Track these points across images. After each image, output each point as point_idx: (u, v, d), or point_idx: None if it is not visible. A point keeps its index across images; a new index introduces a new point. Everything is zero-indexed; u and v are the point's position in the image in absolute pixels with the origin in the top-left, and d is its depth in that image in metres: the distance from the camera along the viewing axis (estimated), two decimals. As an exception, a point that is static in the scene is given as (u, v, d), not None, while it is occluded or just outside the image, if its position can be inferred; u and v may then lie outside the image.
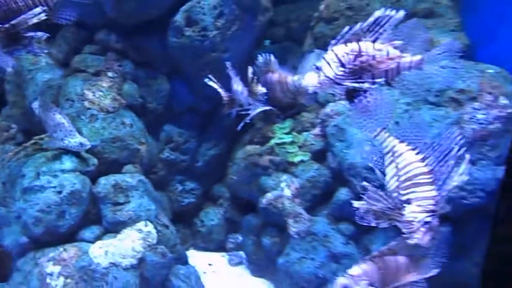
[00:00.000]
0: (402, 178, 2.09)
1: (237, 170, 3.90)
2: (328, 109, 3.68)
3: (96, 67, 3.74)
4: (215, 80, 3.44)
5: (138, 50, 3.85)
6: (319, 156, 3.66)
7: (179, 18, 3.67)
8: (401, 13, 2.01)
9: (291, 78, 3.54)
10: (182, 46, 3.73)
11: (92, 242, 3.14)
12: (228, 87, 3.45)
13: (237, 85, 3.41)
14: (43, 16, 2.28)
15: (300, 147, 3.72)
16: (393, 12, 2.01)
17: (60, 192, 3.16)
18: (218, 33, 3.73)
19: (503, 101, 3.10)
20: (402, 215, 2.00)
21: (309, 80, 2.12)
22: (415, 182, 2.04)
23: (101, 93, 3.62)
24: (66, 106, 3.58)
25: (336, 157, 3.49)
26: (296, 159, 3.64)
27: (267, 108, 3.50)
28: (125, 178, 3.40)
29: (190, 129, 4.10)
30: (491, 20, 3.89)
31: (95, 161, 3.39)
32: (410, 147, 2.24)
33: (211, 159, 4.17)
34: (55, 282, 2.91)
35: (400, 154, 2.20)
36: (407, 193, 2.03)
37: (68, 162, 3.27)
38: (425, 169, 2.09)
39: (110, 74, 3.73)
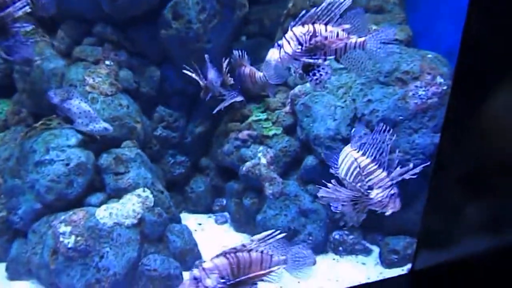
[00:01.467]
0: (355, 172, 2.20)
1: (220, 144, 3.96)
2: (296, 90, 3.77)
3: (95, 56, 3.69)
4: (191, 70, 3.52)
5: (132, 41, 3.82)
6: (289, 130, 3.77)
7: (167, 12, 3.66)
8: (349, 1, 2.10)
9: (258, 74, 3.64)
10: (170, 37, 3.72)
11: (98, 206, 3.17)
12: (205, 76, 3.53)
13: (212, 76, 3.51)
14: (27, 9, 2.20)
15: (273, 123, 3.81)
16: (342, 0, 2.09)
17: (68, 164, 3.17)
18: (201, 26, 3.73)
19: (439, 80, 3.26)
20: (371, 198, 2.11)
21: (272, 55, 2.19)
22: (366, 172, 2.15)
23: (100, 79, 3.59)
24: (54, 88, 3.52)
25: (303, 130, 3.60)
26: (271, 133, 3.74)
27: (239, 99, 3.62)
28: (124, 151, 3.42)
29: (179, 109, 4.11)
30: (430, 15, 4.02)
31: (97, 137, 3.38)
32: (353, 148, 2.35)
33: (198, 135, 4.20)
34: (67, 240, 2.93)
35: (346, 155, 2.32)
36: (366, 182, 2.14)
37: (73, 138, 3.27)
38: (368, 160, 2.20)
39: (107, 62, 3.70)
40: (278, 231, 2.04)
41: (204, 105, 4.15)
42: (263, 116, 3.84)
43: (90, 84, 3.53)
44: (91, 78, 3.57)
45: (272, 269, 1.97)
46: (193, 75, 3.51)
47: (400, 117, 3.26)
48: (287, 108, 3.81)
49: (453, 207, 1.52)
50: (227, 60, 3.57)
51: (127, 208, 3.16)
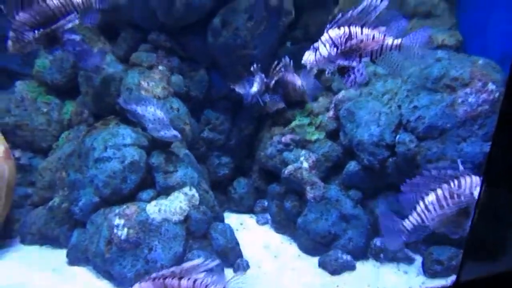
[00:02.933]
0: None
1: (264, 147, 4.00)
2: (340, 95, 3.73)
3: (149, 62, 3.87)
4: (236, 84, 3.62)
5: (183, 47, 3.96)
6: (332, 135, 3.73)
7: (216, 20, 3.76)
8: (385, 3, 2.04)
9: (298, 82, 3.65)
10: (218, 44, 3.82)
11: (148, 202, 3.31)
12: (251, 83, 3.60)
13: (257, 87, 3.57)
14: (76, 21, 2.32)
15: (316, 127, 3.79)
16: (378, 2, 2.03)
17: (123, 162, 3.34)
18: (248, 33, 3.81)
19: (491, 86, 3.09)
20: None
21: (308, 57, 2.17)
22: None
23: (153, 83, 3.76)
24: (127, 93, 3.75)
25: (346, 136, 3.55)
26: (313, 138, 3.72)
27: (281, 106, 3.65)
28: (173, 151, 3.56)
29: (225, 113, 4.19)
30: (481, 20, 3.82)
31: (149, 137, 3.55)
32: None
33: (242, 138, 4.26)
34: (120, 232, 3.10)
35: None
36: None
37: (128, 138, 3.45)
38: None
39: (160, 67, 3.88)
40: (211, 260, 1.90)
41: (248, 109, 4.24)
42: (307, 120, 3.84)
43: (145, 88, 3.72)
44: (146, 82, 3.76)
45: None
46: (239, 90, 3.60)
47: (448, 125, 3.12)
48: (331, 113, 3.77)
49: (503, 217, 1.44)
50: (274, 67, 3.62)
51: (174, 205, 3.28)
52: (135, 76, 3.78)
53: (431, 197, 2.05)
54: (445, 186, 2.02)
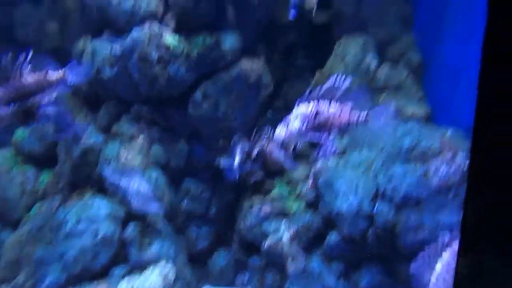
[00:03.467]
0: None
1: (244, 217, 3.93)
2: (318, 164, 3.79)
3: (131, 133, 3.90)
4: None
5: (165, 118, 4.04)
6: (312, 204, 3.71)
7: (197, 93, 3.90)
8: (349, 80, 2.18)
9: (276, 152, 3.73)
10: (199, 115, 3.93)
11: (121, 278, 3.14)
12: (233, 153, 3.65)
13: (238, 161, 3.63)
14: (53, 96, 2.33)
15: (296, 197, 3.79)
16: (343, 78, 2.17)
17: (95, 236, 3.22)
18: (228, 105, 3.95)
19: (460, 157, 3.21)
20: None
21: (280, 132, 2.25)
22: None
23: (133, 154, 3.76)
24: (105, 164, 3.72)
25: (326, 206, 3.54)
26: (293, 208, 3.70)
27: (260, 175, 3.69)
28: (150, 223, 3.46)
29: (205, 182, 4.18)
30: (447, 91, 4.09)
31: (125, 209, 3.46)
32: None
33: (222, 208, 4.20)
34: (87, 314, 2.88)
35: None
36: None
37: (103, 210, 3.36)
38: None
39: (141, 138, 3.91)
40: None
41: (229, 178, 4.23)
42: (286, 190, 3.84)
43: (124, 159, 3.71)
44: (125, 153, 3.76)
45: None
46: (223, 163, 3.64)
47: (423, 194, 3.18)
48: (310, 182, 3.79)
49: (482, 277, 1.40)
50: (255, 136, 3.70)
51: (148, 282, 3.11)
52: (115, 146, 3.80)
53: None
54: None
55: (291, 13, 3.97)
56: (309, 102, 2.23)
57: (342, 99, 2.23)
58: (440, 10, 4.44)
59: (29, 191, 3.92)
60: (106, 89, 3.98)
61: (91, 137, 3.86)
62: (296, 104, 2.26)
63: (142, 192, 3.22)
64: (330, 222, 3.55)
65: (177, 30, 3.80)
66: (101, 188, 3.73)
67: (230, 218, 4.20)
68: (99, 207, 3.36)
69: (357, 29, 4.79)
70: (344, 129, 2.25)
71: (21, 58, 2.12)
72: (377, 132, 2.33)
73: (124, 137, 3.89)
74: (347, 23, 4.90)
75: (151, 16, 3.76)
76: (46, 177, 4.05)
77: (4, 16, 4.43)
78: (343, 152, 3.87)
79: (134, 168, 3.50)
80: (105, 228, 3.25)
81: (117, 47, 3.80)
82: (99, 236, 3.21)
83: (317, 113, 2.19)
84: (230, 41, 3.90)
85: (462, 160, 3.19)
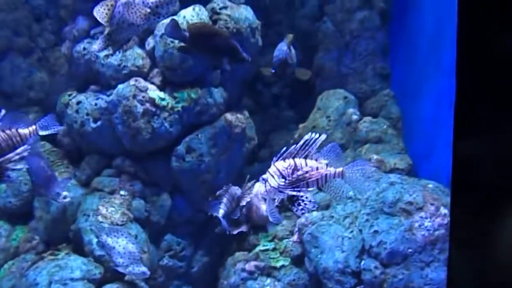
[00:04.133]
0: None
1: (228, 275, 3.77)
2: (303, 218, 3.73)
3: (112, 187, 3.84)
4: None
5: (147, 172, 3.99)
6: (298, 260, 3.61)
7: (181, 147, 3.90)
8: (323, 136, 2.27)
9: (262, 208, 3.69)
10: (182, 169, 3.90)
11: None
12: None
13: (223, 212, 3.57)
14: (25, 153, 2.25)
15: (281, 253, 3.68)
16: (317, 136, 2.26)
17: (68, 300, 3.02)
18: (212, 159, 3.94)
19: (443, 210, 3.21)
20: None
21: (258, 189, 2.27)
22: None
23: (113, 209, 3.66)
24: (82, 220, 3.60)
25: (312, 262, 3.44)
26: (278, 264, 3.58)
27: (244, 229, 3.62)
28: (128, 283, 3.28)
29: (187, 238, 4.06)
30: (427, 145, 4.18)
31: (102, 269, 3.29)
32: None
33: (205, 265, 4.05)
34: None
35: None
36: None
37: (77, 271, 3.19)
38: None
39: (122, 192, 3.83)
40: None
41: (212, 233, 4.12)
42: (271, 245, 3.74)
43: (103, 214, 3.60)
44: (104, 208, 3.65)
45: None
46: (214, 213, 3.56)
47: (410, 250, 3.12)
48: (295, 237, 3.71)
49: None
50: (246, 187, 3.67)
51: None
52: (94, 201, 3.70)
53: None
54: None
55: (273, 66, 4.10)
56: (285, 159, 2.27)
57: (317, 155, 2.29)
58: (416, 65, 4.67)
59: (0, 249, 3.72)
60: (89, 142, 3.95)
61: (70, 191, 3.76)
62: (273, 161, 2.30)
63: (129, 253, 3.05)
64: (316, 279, 3.43)
65: (163, 85, 3.88)
66: (78, 245, 3.57)
67: (213, 276, 4.03)
68: (73, 268, 3.19)
69: (338, 84, 4.99)
70: (322, 184, 2.29)
71: None
72: (357, 186, 2.36)
73: (104, 192, 3.80)
74: (328, 78, 5.11)
75: (137, 72, 3.85)
76: (20, 233, 3.87)
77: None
78: (327, 206, 3.85)
79: (119, 226, 3.35)
80: (79, 291, 3.05)
81: (102, 101, 3.83)
82: (72, 300, 3.01)
83: (295, 168, 2.22)
84: (214, 96, 3.98)
85: (445, 215, 3.19)
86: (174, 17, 3.68)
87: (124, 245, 3.10)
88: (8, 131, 2.19)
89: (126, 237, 3.14)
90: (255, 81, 4.99)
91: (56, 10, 4.64)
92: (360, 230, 3.38)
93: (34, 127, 2.37)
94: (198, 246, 4.11)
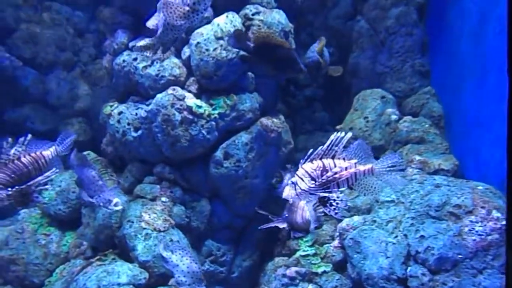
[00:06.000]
0: None
1: (268, 280, 3.75)
2: (344, 223, 3.65)
3: (153, 194, 3.92)
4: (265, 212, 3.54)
5: (186, 179, 4.05)
6: (340, 266, 3.53)
7: (218, 153, 3.92)
8: (349, 134, 2.20)
9: (307, 213, 3.60)
10: (220, 175, 3.92)
11: None
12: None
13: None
14: (53, 176, 2.34)
15: (322, 258, 3.61)
16: (342, 134, 2.20)
17: (116, 304, 3.12)
18: (249, 164, 3.94)
19: (495, 214, 3.02)
20: None
21: (288, 193, 2.22)
22: None
23: (155, 215, 3.75)
24: (127, 226, 3.70)
25: (355, 268, 3.35)
26: (320, 270, 3.52)
27: (282, 225, 3.55)
28: (171, 289, 3.34)
29: (227, 243, 4.07)
30: (473, 144, 3.95)
31: (146, 274, 3.37)
32: None
33: (245, 270, 4.04)
34: None
35: None
36: None
37: (124, 276, 3.28)
38: None
39: (163, 199, 3.91)
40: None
41: (251, 238, 4.12)
42: (311, 250, 3.68)
43: (146, 221, 3.69)
44: (147, 214, 3.75)
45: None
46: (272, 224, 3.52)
47: (460, 256, 2.96)
48: (336, 243, 3.64)
49: None
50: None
51: None
52: (137, 208, 3.80)
53: None
54: None
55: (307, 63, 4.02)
56: (312, 160, 2.24)
57: (344, 154, 2.25)
58: (458, 61, 4.44)
59: (52, 254, 3.91)
60: (131, 150, 4.07)
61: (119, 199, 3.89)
62: (300, 164, 2.27)
63: (192, 272, 3.02)
64: (360, 286, 3.33)
65: (199, 93, 3.93)
66: (123, 251, 3.68)
67: (253, 281, 4.03)
68: (120, 273, 3.28)
69: (375, 83, 4.84)
70: (352, 183, 2.24)
71: (19, 142, 2.21)
72: (389, 181, 2.29)
73: (146, 199, 3.89)
74: (364, 77, 4.98)
75: (174, 81, 3.92)
76: (69, 239, 4.05)
77: (38, 81, 4.71)
78: (368, 210, 3.74)
79: (162, 232, 3.38)
80: (126, 296, 3.14)
81: (142, 111, 3.94)
82: (119, 305, 3.10)
83: (323, 169, 2.19)
84: (249, 101, 3.98)
85: (497, 218, 3.00)
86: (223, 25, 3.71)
87: (188, 264, 3.06)
88: (33, 154, 2.29)
89: (190, 256, 3.12)
90: (288, 84, 4.96)
91: (96, 25, 4.85)
92: (405, 235, 3.25)
93: (53, 148, 2.47)
94: (238, 251, 4.11)
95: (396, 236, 3.31)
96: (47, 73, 4.71)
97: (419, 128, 4.35)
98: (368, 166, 2.25)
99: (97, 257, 3.59)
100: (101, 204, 3.16)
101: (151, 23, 2.58)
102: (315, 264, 3.56)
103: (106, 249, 3.73)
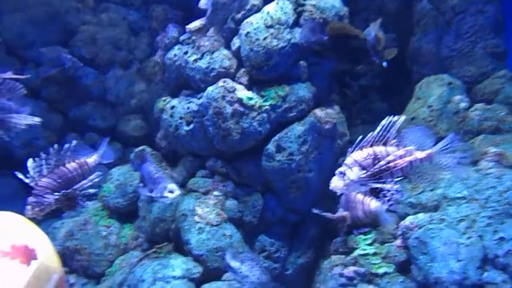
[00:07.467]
0: None
1: (324, 279, 3.55)
2: (407, 221, 3.33)
3: (206, 187, 3.90)
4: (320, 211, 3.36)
5: (238, 172, 3.98)
6: (403, 268, 3.22)
7: (270, 146, 3.79)
8: (402, 118, 1.99)
9: (372, 204, 3.33)
10: (273, 168, 3.79)
11: None
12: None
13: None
14: (97, 180, 2.35)
15: (383, 258, 3.33)
16: (395, 118, 1.99)
17: (170, 297, 3.12)
18: (303, 157, 3.75)
19: None
20: None
21: (336, 184, 2.03)
22: None
23: (208, 209, 3.71)
24: (180, 220, 3.70)
25: (421, 271, 3.04)
26: (381, 271, 3.24)
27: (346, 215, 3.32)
28: (223, 286, 3.28)
29: (281, 239, 3.94)
30: None
31: (201, 268, 3.34)
32: None
33: (300, 267, 3.89)
34: None
35: None
36: None
37: (178, 270, 3.28)
38: None
39: (216, 193, 3.86)
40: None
41: (306, 234, 3.95)
42: (371, 249, 3.41)
43: (199, 214, 3.67)
44: (200, 208, 3.72)
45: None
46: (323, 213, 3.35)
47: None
48: (399, 242, 3.33)
49: None
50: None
51: None
52: (190, 202, 3.79)
53: None
54: None
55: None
56: (362, 148, 2.03)
57: (397, 140, 2.01)
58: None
59: (112, 245, 4.04)
60: (183, 144, 4.07)
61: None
62: (348, 152, 2.05)
63: (262, 284, 2.94)
64: (426, 290, 3.02)
65: (250, 84, 3.81)
66: (178, 244, 3.69)
67: (308, 278, 3.85)
68: (174, 266, 3.29)
69: (440, 68, 4.41)
70: (408, 171, 1.97)
71: (65, 147, 2.25)
72: (451, 169, 1.99)
73: (199, 193, 3.87)
74: (427, 62, 4.56)
75: (225, 73, 3.84)
76: (128, 231, 4.16)
77: (98, 80, 4.89)
78: (435, 207, 3.38)
79: (215, 226, 3.32)
80: (180, 289, 3.13)
81: (193, 104, 3.91)
82: (174, 298, 3.10)
83: (375, 157, 1.95)
84: (302, 92, 3.79)
85: None
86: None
87: (258, 275, 2.99)
88: (77, 161, 2.33)
89: (260, 267, 3.04)
90: (342, 74, 4.68)
91: (149, 23, 4.93)
92: (480, 236, 2.88)
93: (96, 155, 2.50)
94: (292, 247, 3.96)
95: (469, 237, 2.95)
96: (105, 72, 4.88)
97: (493, 117, 3.89)
98: (426, 152, 2.00)
99: (153, 250, 3.63)
100: (159, 194, 3.16)
101: (203, 3, 2.51)
102: (375, 264, 3.29)
103: (162, 242, 3.76)
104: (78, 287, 3.86)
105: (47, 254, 1.40)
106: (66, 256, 3.92)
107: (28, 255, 1.31)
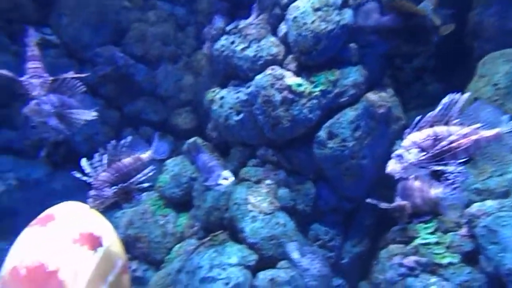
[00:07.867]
0: None
1: (382, 269, 3.43)
2: (474, 208, 3.11)
3: (257, 176, 3.90)
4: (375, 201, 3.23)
5: (289, 160, 3.93)
6: (469, 258, 3.02)
7: (322, 133, 3.70)
8: (466, 94, 1.80)
9: (434, 191, 3.12)
10: (325, 155, 3.70)
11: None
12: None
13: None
14: (150, 174, 2.38)
15: (447, 248, 3.14)
16: (458, 95, 1.79)
17: (227, 284, 3.18)
18: (356, 143, 3.62)
19: None
20: None
21: (393, 167, 1.87)
22: None
23: (260, 198, 3.72)
24: (234, 208, 3.75)
25: (490, 261, 2.83)
26: (445, 261, 3.07)
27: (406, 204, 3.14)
28: (279, 273, 3.27)
29: (335, 227, 3.85)
30: None
31: (256, 256, 3.37)
32: None
33: (356, 256, 3.79)
34: None
35: None
36: None
37: (234, 257, 3.32)
38: None
39: (267, 181, 3.85)
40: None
41: (361, 222, 3.83)
42: (433, 239, 3.23)
43: (252, 203, 3.68)
44: (253, 197, 3.74)
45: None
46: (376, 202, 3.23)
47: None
48: (464, 231, 3.12)
49: None
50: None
51: None
52: (243, 191, 3.81)
53: None
54: None
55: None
56: (421, 128, 1.86)
57: (461, 119, 1.82)
58: None
59: (169, 233, 4.19)
60: (234, 134, 4.10)
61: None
62: (405, 134, 1.90)
63: (323, 277, 2.90)
64: (497, 282, 2.80)
65: (299, 70, 3.73)
66: (232, 233, 3.74)
67: (365, 268, 3.74)
68: (230, 254, 3.34)
69: (505, 43, 4.03)
70: (473, 152, 1.80)
71: (121, 143, 2.31)
72: None
73: (251, 182, 3.88)
74: (490, 38, 4.18)
75: (273, 60, 3.79)
76: (183, 220, 4.30)
77: (149, 76, 5.05)
78: (505, 193, 3.11)
79: (268, 214, 3.31)
80: (237, 276, 3.18)
81: (242, 94, 3.91)
82: (231, 284, 3.16)
83: (435, 138, 1.79)
84: (353, 75, 3.64)
85: None
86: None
87: (319, 268, 2.98)
88: (132, 156, 2.40)
89: (321, 260, 3.01)
90: (393, 56, 4.43)
91: (195, 17, 4.99)
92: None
93: (150, 151, 2.55)
94: (347, 235, 3.86)
95: (548, 225, 2.68)
96: (155, 67, 5.03)
97: None
98: (495, 131, 1.82)
99: (209, 238, 3.71)
100: (214, 182, 3.20)
101: None
102: (438, 254, 3.12)
103: (217, 230, 3.83)
104: (140, 272, 4.06)
105: (112, 241, 1.46)
106: (128, 244, 4.13)
107: (95, 242, 1.37)
